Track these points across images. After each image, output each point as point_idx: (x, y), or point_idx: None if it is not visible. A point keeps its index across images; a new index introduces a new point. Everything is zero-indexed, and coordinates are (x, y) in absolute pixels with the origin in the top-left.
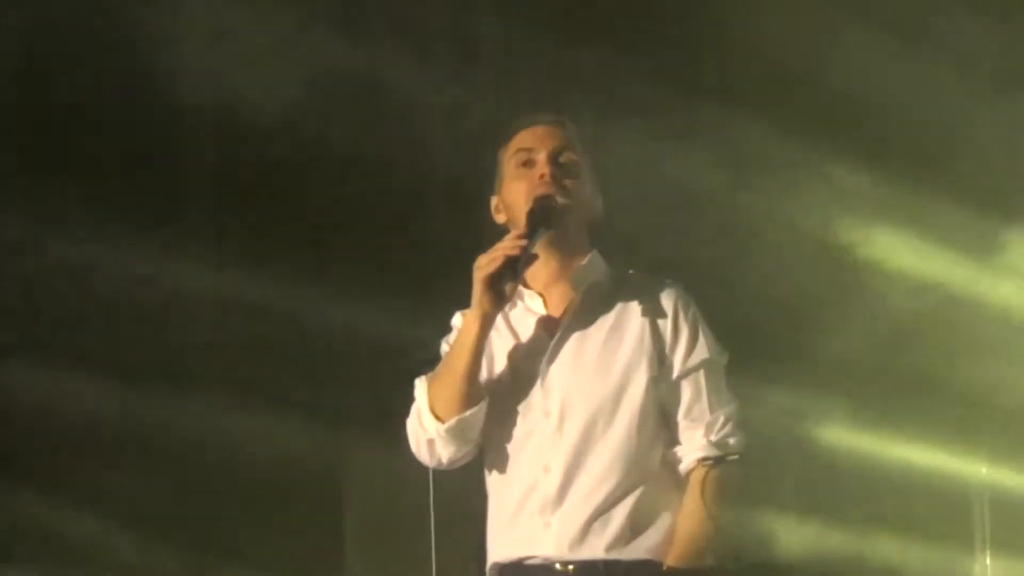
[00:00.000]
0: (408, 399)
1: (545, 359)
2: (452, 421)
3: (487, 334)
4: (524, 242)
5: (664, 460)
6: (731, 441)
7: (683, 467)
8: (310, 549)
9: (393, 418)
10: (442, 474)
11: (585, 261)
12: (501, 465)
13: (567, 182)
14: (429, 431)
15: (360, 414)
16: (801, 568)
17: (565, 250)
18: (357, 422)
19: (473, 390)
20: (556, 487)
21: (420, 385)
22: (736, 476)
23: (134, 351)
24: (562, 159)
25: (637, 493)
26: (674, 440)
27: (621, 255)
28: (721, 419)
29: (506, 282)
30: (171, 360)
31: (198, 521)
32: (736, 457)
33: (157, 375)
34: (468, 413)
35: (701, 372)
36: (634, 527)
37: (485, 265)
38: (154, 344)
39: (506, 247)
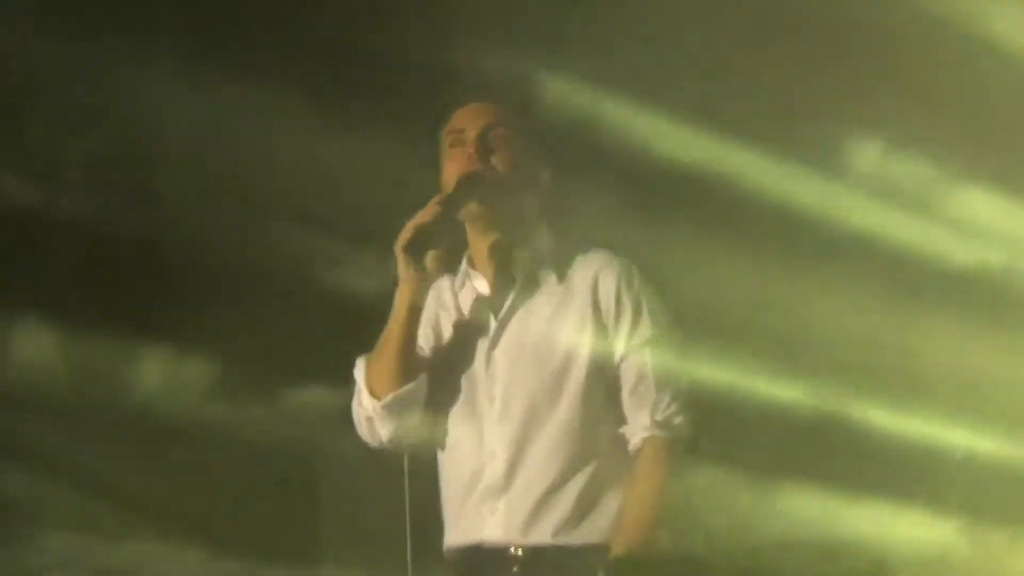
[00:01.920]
0: None
1: (488, 343)
2: (387, 398)
3: (416, 308)
4: (437, 208)
5: (613, 441)
6: (676, 420)
7: (631, 448)
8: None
9: None
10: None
11: (528, 239)
12: (451, 449)
13: (495, 157)
14: (367, 409)
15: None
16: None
17: (504, 228)
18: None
19: (406, 366)
20: (502, 472)
21: (360, 363)
22: (683, 456)
23: None
24: (491, 135)
25: (584, 476)
26: (622, 420)
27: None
28: (667, 398)
29: (423, 252)
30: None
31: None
32: (683, 436)
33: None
34: (402, 390)
35: (646, 349)
36: (582, 510)
37: (399, 236)
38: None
39: (418, 215)
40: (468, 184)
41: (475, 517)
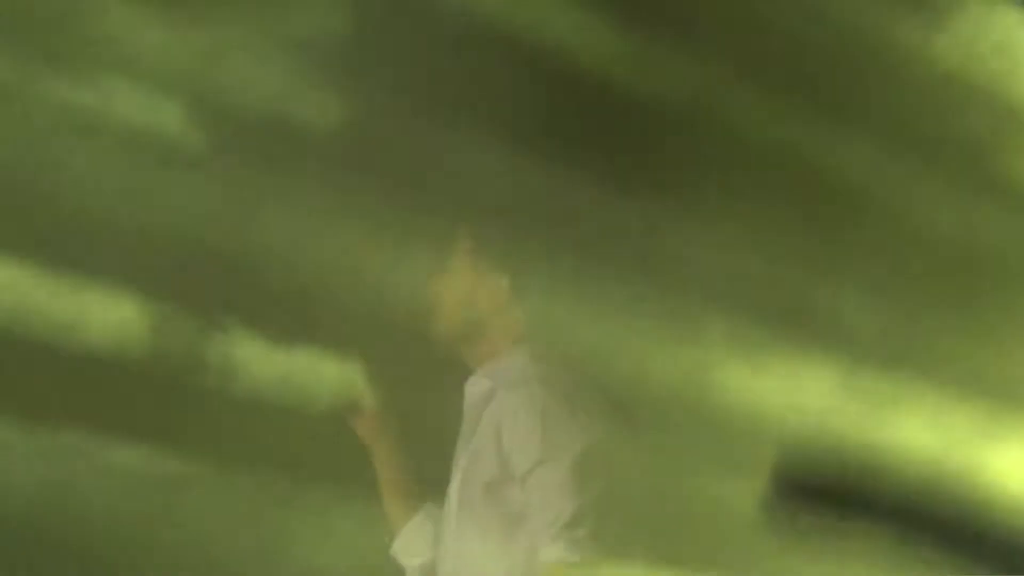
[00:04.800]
0: None
1: None
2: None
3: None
4: None
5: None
6: (563, 547)
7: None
8: None
9: None
10: None
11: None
12: None
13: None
14: None
15: None
16: None
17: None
18: None
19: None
20: None
21: None
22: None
23: None
24: None
25: None
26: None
27: None
28: (559, 524)
29: None
30: None
31: None
32: (573, 564)
33: None
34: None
35: (534, 475)
36: None
37: None
38: None
39: None
40: None
41: None
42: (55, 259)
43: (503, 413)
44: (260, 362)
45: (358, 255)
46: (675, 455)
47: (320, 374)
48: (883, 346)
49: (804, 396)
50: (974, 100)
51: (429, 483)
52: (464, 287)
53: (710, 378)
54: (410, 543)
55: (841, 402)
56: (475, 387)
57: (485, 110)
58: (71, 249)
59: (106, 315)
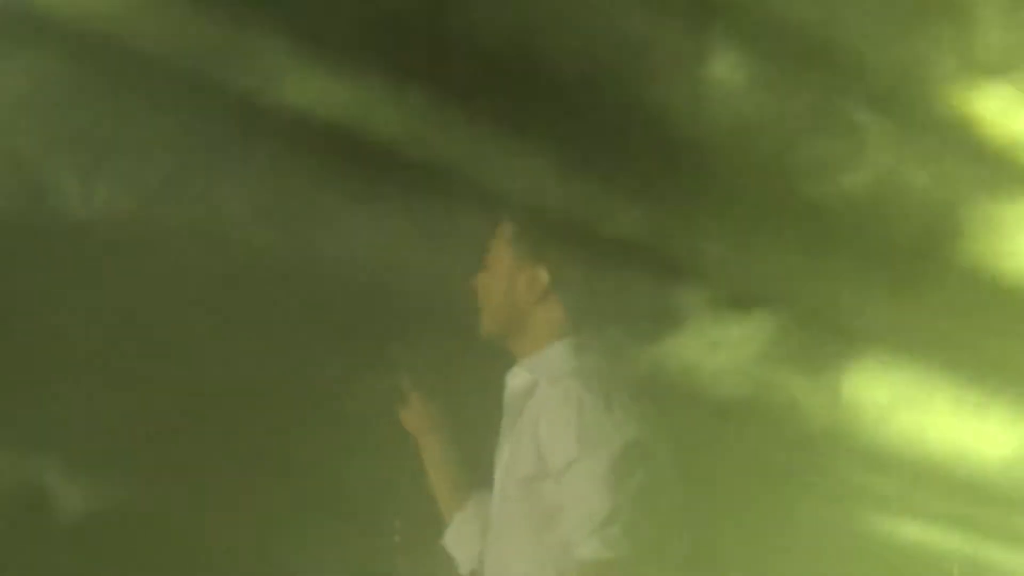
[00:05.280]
0: None
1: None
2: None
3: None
4: None
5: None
6: (597, 545)
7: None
8: None
9: None
10: None
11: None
12: None
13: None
14: None
15: None
16: None
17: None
18: None
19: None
20: None
21: None
22: None
23: None
24: None
25: None
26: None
27: None
28: (594, 521)
29: None
30: None
31: None
32: (607, 561)
33: None
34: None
35: (570, 471)
36: None
37: None
38: None
39: None
40: None
41: None
42: None
43: (541, 407)
44: None
45: (401, 251)
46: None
47: None
48: None
49: None
50: None
51: (482, 472)
52: (504, 280)
53: None
54: (460, 534)
55: None
56: (516, 379)
57: None
58: None
59: None
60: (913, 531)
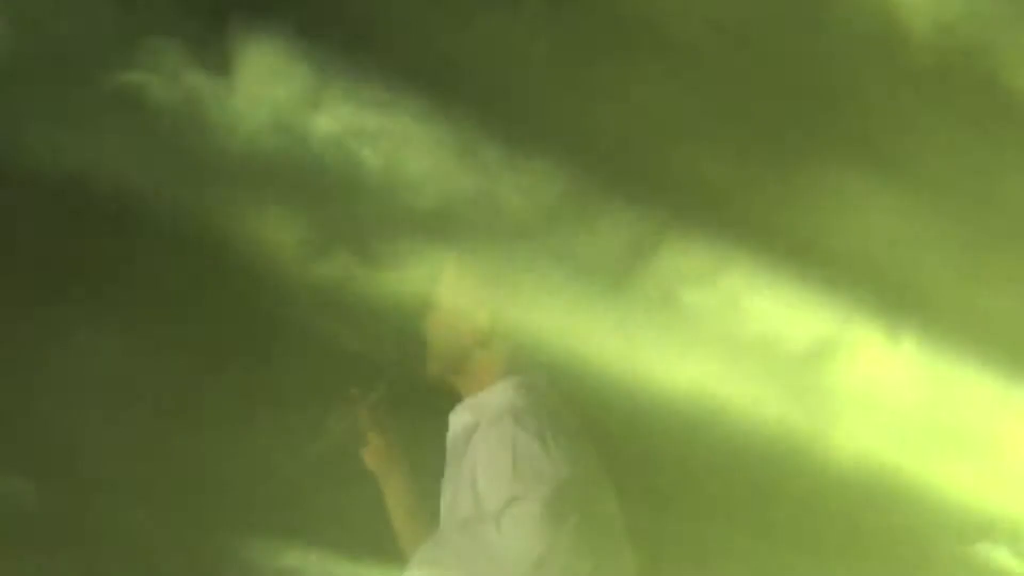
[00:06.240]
0: None
1: None
2: None
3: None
4: None
5: None
6: None
7: None
8: None
9: None
10: None
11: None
12: None
13: None
14: None
15: None
16: None
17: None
18: None
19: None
20: None
21: None
22: None
23: None
24: None
25: None
26: None
27: None
28: (527, 563)
29: None
30: None
31: None
32: None
33: None
34: None
35: (505, 513)
36: None
37: None
38: None
39: None
40: None
41: None
42: None
43: (478, 448)
44: None
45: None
46: None
47: None
48: None
49: None
50: None
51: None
52: (447, 321)
53: None
54: (420, 571)
55: None
56: (458, 419)
57: None
58: None
59: None
60: None
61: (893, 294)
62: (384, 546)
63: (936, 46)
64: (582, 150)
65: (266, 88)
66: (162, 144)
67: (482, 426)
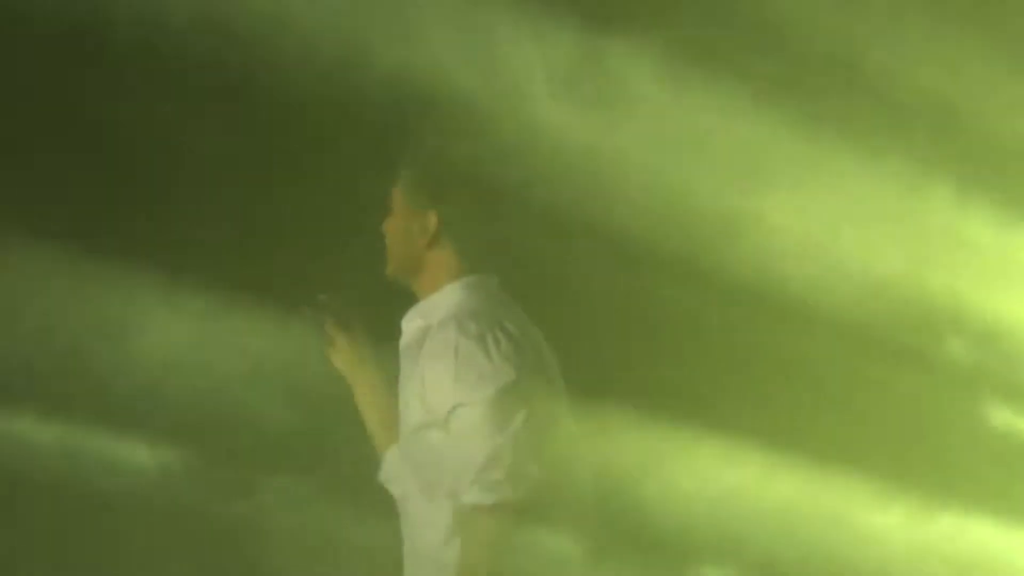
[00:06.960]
0: None
1: None
2: None
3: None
4: None
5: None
6: (477, 491)
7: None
8: None
9: None
10: None
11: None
12: None
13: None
14: None
15: None
16: None
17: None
18: None
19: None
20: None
21: None
22: (497, 524)
23: None
24: None
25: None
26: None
27: None
28: (473, 467)
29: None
30: None
31: None
32: (488, 507)
33: None
34: None
35: (451, 418)
36: None
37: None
38: None
39: None
40: None
41: None
42: None
43: (425, 355)
44: None
45: None
46: None
47: None
48: None
49: None
50: None
51: None
52: (402, 225)
53: None
54: (392, 471)
55: None
56: (410, 324)
57: None
58: None
59: None
60: None
61: None
62: None
63: None
64: None
65: None
66: None
67: (432, 330)
